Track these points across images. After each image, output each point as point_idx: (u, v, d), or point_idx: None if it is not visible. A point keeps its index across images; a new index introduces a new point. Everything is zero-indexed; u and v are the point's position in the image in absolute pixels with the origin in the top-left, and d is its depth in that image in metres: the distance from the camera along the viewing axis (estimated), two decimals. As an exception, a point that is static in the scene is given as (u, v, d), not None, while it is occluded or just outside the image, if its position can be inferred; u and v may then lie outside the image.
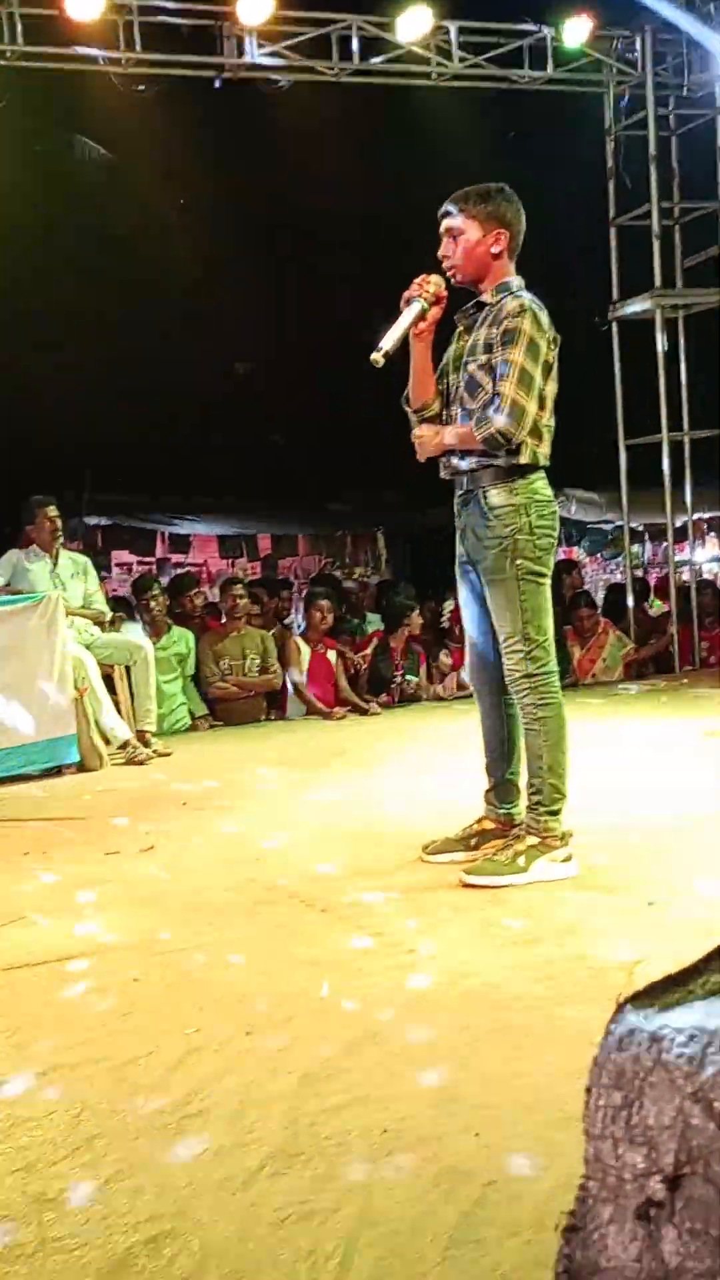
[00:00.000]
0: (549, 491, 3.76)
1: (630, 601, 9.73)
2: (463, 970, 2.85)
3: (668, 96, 9.94)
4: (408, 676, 8.12)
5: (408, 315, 3.72)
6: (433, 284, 3.75)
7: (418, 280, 3.76)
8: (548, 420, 3.70)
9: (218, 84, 8.58)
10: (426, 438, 3.81)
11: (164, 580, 9.29)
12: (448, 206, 3.75)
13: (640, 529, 13.58)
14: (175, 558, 14.09)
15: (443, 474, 3.90)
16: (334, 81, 8.93)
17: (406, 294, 3.76)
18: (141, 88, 8.43)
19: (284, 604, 9.26)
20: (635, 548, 11.61)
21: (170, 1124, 2.16)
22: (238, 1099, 2.24)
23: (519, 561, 3.65)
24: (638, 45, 9.62)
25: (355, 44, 8.78)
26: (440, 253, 3.79)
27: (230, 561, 14.28)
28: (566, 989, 2.70)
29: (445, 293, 3.77)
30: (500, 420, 3.57)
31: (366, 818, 4.64)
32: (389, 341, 3.66)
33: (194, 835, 4.51)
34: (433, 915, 3.30)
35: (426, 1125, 2.11)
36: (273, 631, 8.10)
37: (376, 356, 3.63)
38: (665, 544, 10.76)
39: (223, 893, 3.65)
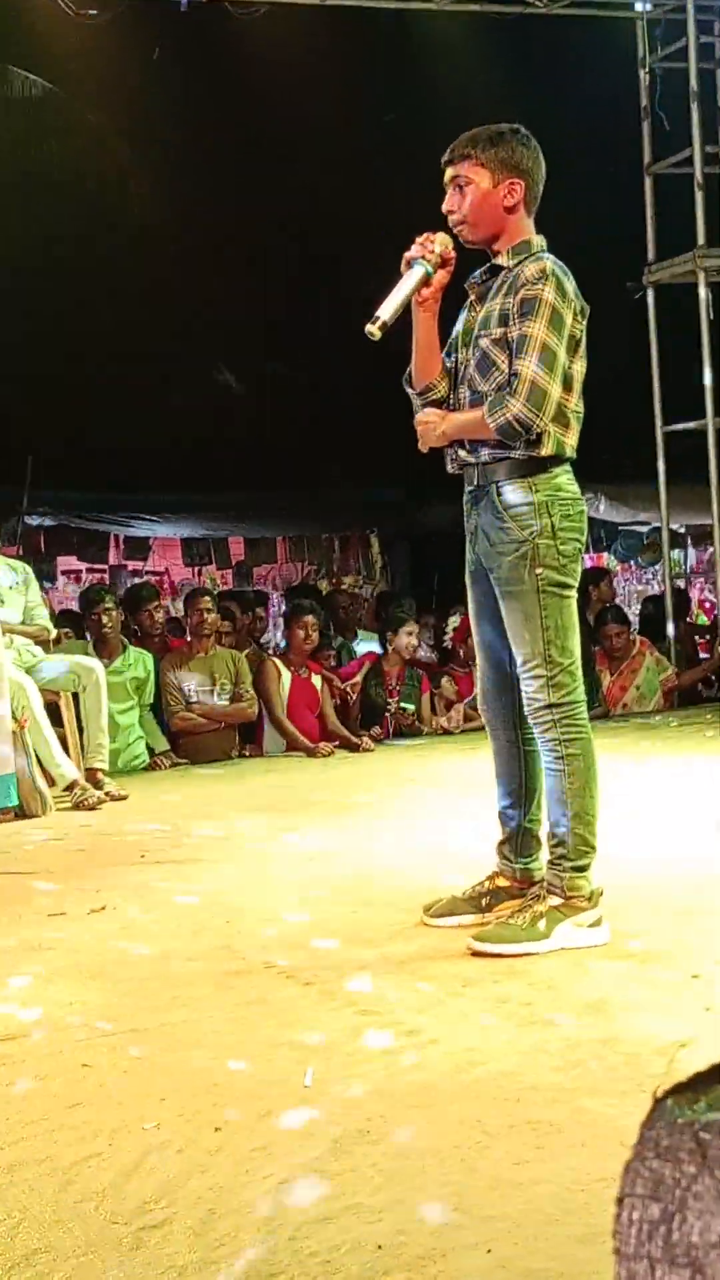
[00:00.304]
0: (575, 488, 3.75)
1: (670, 617, 9.75)
2: (471, 1055, 2.86)
3: (711, 22, 9.98)
4: (403, 706, 8.12)
5: (409, 280, 3.71)
6: (438, 243, 3.74)
7: (420, 238, 3.75)
8: (575, 405, 3.70)
9: (184, 6, 8.62)
10: (431, 424, 3.81)
11: (118, 591, 9.31)
12: (452, 152, 3.74)
13: (681, 531, 13.64)
14: (132, 564, 14.10)
15: (450, 467, 3.90)
16: (318, 5, 8.96)
17: (407, 254, 3.75)
18: (94, 12, 8.48)
19: (260, 620, 9.29)
20: (675, 553, 11.66)
21: (125, 1237, 2.16)
22: (206, 1207, 2.24)
23: (540, 570, 3.64)
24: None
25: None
26: (445, 206, 3.78)
27: (196, 570, 14.29)
28: (594, 1078, 2.71)
29: (453, 254, 3.77)
30: (517, 405, 3.56)
31: (357, 873, 4.64)
32: (387, 310, 3.65)
33: (154, 893, 4.50)
34: (436, 989, 3.30)
35: (428, 1240, 2.11)
36: (246, 652, 8.11)
37: (372, 328, 3.63)
38: (711, 549, 10.78)
39: (187, 962, 3.65)
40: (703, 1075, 0.98)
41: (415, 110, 9.85)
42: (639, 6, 9.99)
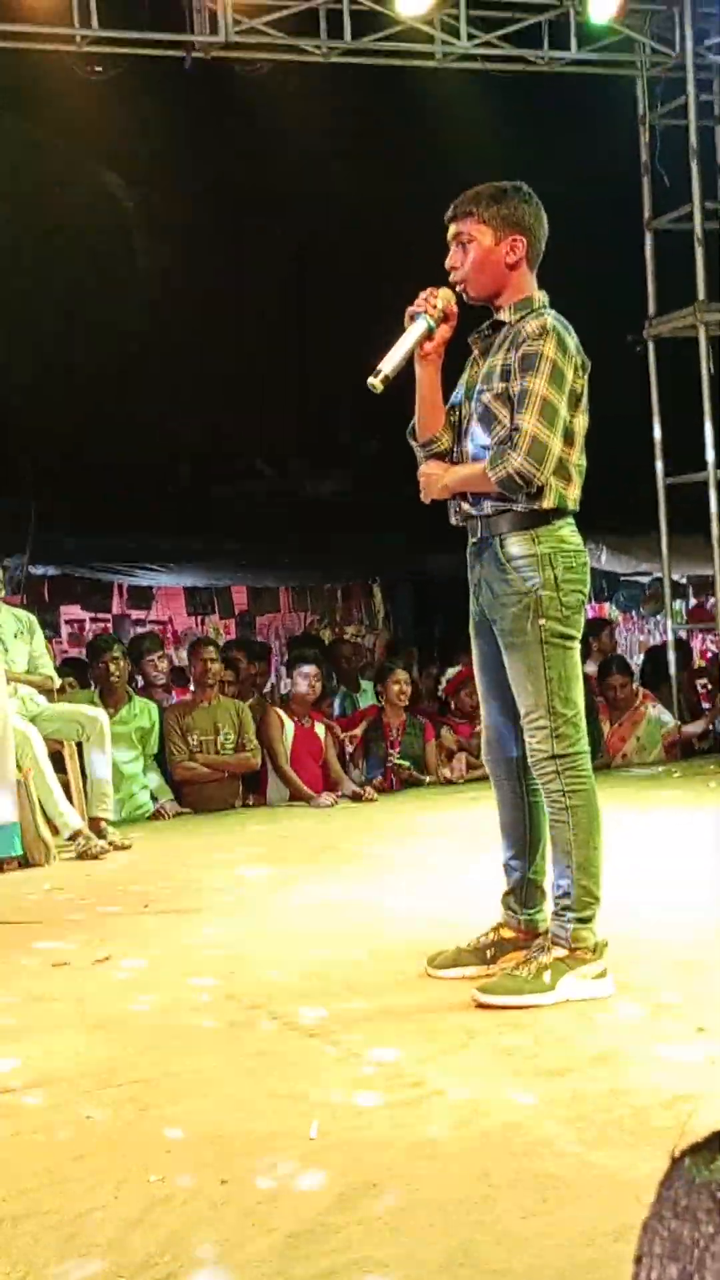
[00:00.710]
0: (578, 540, 3.78)
1: (673, 668, 9.75)
2: (477, 1108, 2.85)
3: (710, 80, 10.09)
4: (399, 762, 8.08)
5: (412, 334, 3.76)
6: (441, 298, 3.78)
7: (424, 294, 3.80)
8: (577, 459, 3.74)
9: (187, 65, 8.70)
10: (435, 476, 3.85)
11: (122, 641, 9.31)
12: (455, 209, 3.79)
13: (683, 581, 13.67)
14: (135, 614, 14.12)
15: (453, 519, 3.93)
16: (321, 62, 9.04)
17: (411, 309, 3.80)
18: (99, 69, 8.54)
19: (263, 670, 9.30)
20: (677, 604, 11.67)
21: (131, 1292, 2.16)
22: (212, 1260, 2.23)
23: (543, 622, 3.67)
24: (675, 21, 9.73)
25: (346, 19, 8.83)
26: (448, 263, 3.83)
27: (199, 619, 14.30)
28: (601, 1131, 2.70)
29: (455, 308, 3.81)
30: (518, 459, 3.59)
31: (361, 924, 4.64)
32: (390, 363, 3.70)
33: (157, 944, 4.49)
34: (441, 1042, 3.30)
35: (436, 1294, 2.11)
36: (250, 702, 8.12)
37: (375, 381, 3.68)
38: (713, 600, 10.80)
39: (191, 1013, 3.64)
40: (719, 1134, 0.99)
41: (418, 166, 9.95)
42: (640, 64, 10.06)
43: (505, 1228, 2.32)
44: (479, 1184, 2.49)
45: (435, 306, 3.78)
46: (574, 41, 9.41)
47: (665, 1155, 2.35)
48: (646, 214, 10.17)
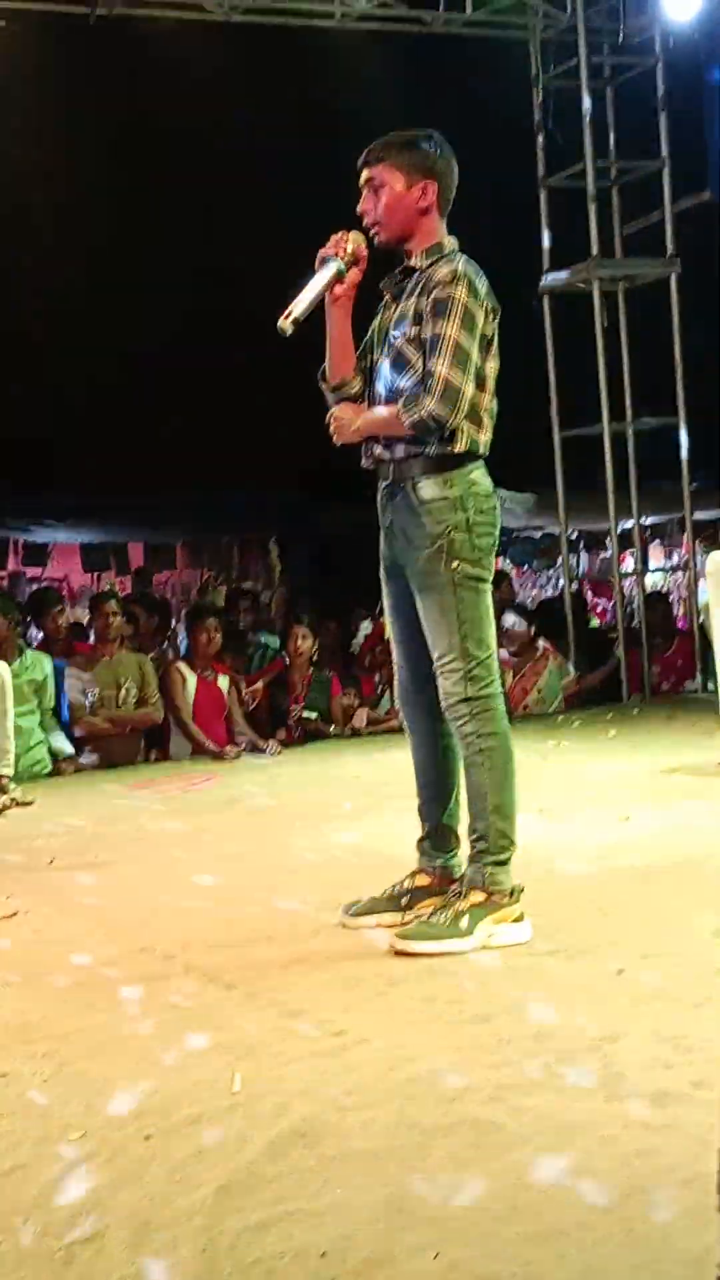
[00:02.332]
0: (489, 484, 3.73)
1: (570, 620, 9.77)
2: (402, 1054, 2.76)
3: (601, 43, 10.07)
4: (305, 715, 8.00)
5: (322, 276, 3.70)
6: (351, 241, 3.74)
7: (334, 237, 3.75)
8: (488, 403, 3.70)
9: (92, 20, 8.50)
10: (346, 420, 3.77)
11: (19, 598, 9.09)
12: (367, 155, 3.75)
13: (575, 536, 13.71)
14: (30, 571, 13.84)
15: (364, 462, 3.86)
16: (221, 21, 8.89)
17: (321, 252, 3.74)
18: (2, 22, 8.34)
19: (162, 625, 9.13)
20: (571, 558, 11.70)
21: (57, 1252, 2.04)
22: (140, 1218, 2.12)
23: (455, 564, 3.61)
24: (566, -16, 9.72)
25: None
26: (359, 208, 3.77)
27: (95, 576, 14.06)
28: (528, 1075, 2.63)
29: (366, 251, 3.76)
30: (431, 403, 3.54)
31: (274, 873, 4.54)
32: (300, 306, 3.64)
33: (66, 899, 4.36)
34: (362, 990, 3.21)
35: (373, 1244, 2.01)
36: (152, 655, 7.96)
37: (285, 323, 3.62)
38: (605, 554, 10.84)
39: (105, 968, 3.51)
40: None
41: (316, 124, 9.80)
42: (533, 26, 10.00)
43: (440, 1175, 2.24)
44: (410, 1132, 2.39)
45: (346, 249, 3.73)
46: (468, 3, 9.36)
47: (592, 1095, 2.27)
48: (540, 171, 10.14)
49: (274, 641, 9.05)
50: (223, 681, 7.79)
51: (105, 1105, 2.55)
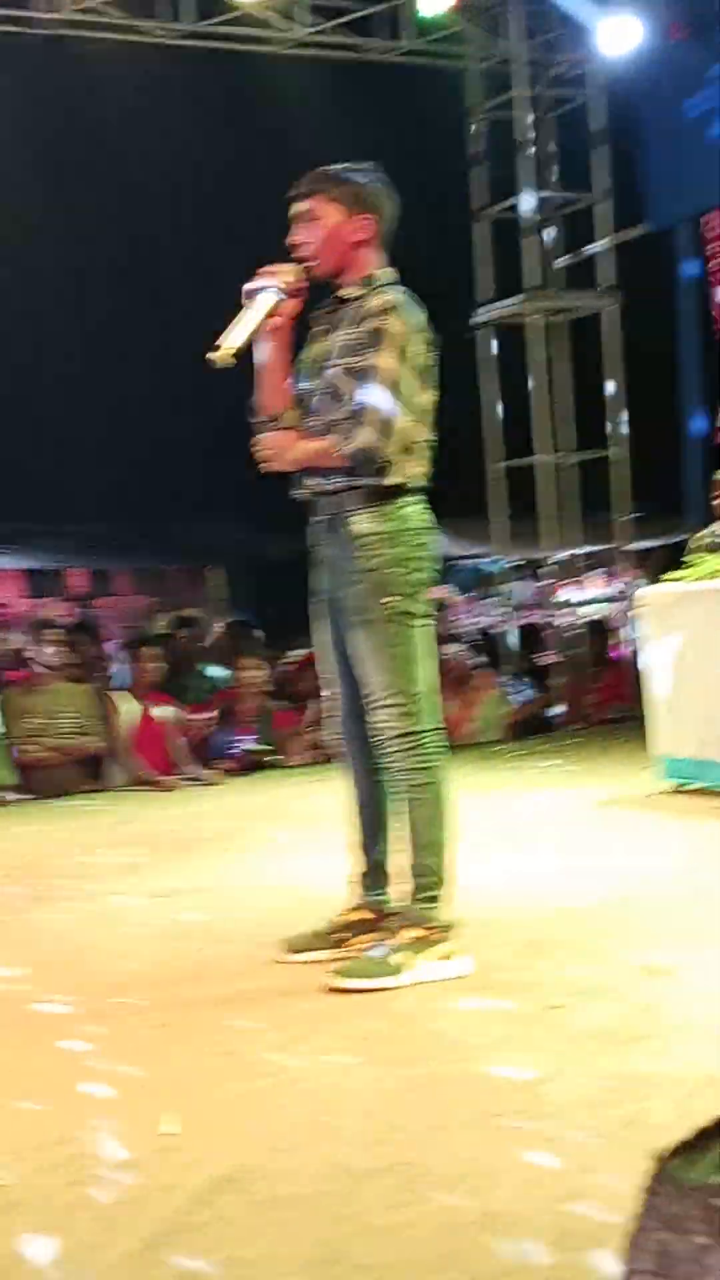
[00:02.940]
0: (426, 518, 3.71)
1: (510, 649, 9.80)
2: (334, 1095, 2.75)
3: (539, 75, 10.16)
4: (257, 747, 7.95)
5: (261, 306, 3.63)
6: (291, 273, 3.67)
7: (264, 269, 3.68)
8: (425, 435, 3.68)
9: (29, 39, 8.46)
10: (279, 448, 3.72)
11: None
12: (302, 187, 3.71)
13: (520, 564, 13.74)
14: (-31, 597, 13.71)
15: (297, 494, 3.83)
16: (160, 44, 8.89)
17: (248, 285, 3.67)
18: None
19: (104, 653, 9.05)
20: (509, 586, 11.73)
21: (-20, 1309, 2.00)
22: (64, 1272, 2.09)
23: (387, 599, 3.59)
24: (504, 17, 9.78)
25: (188, 2, 8.75)
26: (292, 239, 3.73)
27: (36, 603, 13.93)
28: (460, 1115, 2.62)
29: (305, 283, 3.71)
30: (364, 435, 3.53)
31: (211, 909, 4.50)
32: (237, 337, 3.57)
33: (-2, 934, 4.31)
34: (295, 1028, 3.19)
35: (302, 1294, 2.00)
36: (96, 686, 7.88)
37: (218, 355, 3.53)
38: (543, 583, 10.89)
39: (34, 1006, 3.47)
40: (707, 1132, 0.88)
41: (252, 149, 9.82)
42: (470, 57, 10.07)
43: (369, 1220, 2.22)
44: (341, 1176, 2.38)
45: (287, 280, 3.66)
46: (407, 33, 9.40)
47: (525, 1138, 2.27)
48: (475, 203, 10.20)
49: (215, 672, 8.99)
50: (164, 711, 7.73)
51: (30, 1153, 2.52)
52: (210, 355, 3.55)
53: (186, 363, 3.65)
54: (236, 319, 3.61)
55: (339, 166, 3.73)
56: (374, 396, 3.53)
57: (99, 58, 8.88)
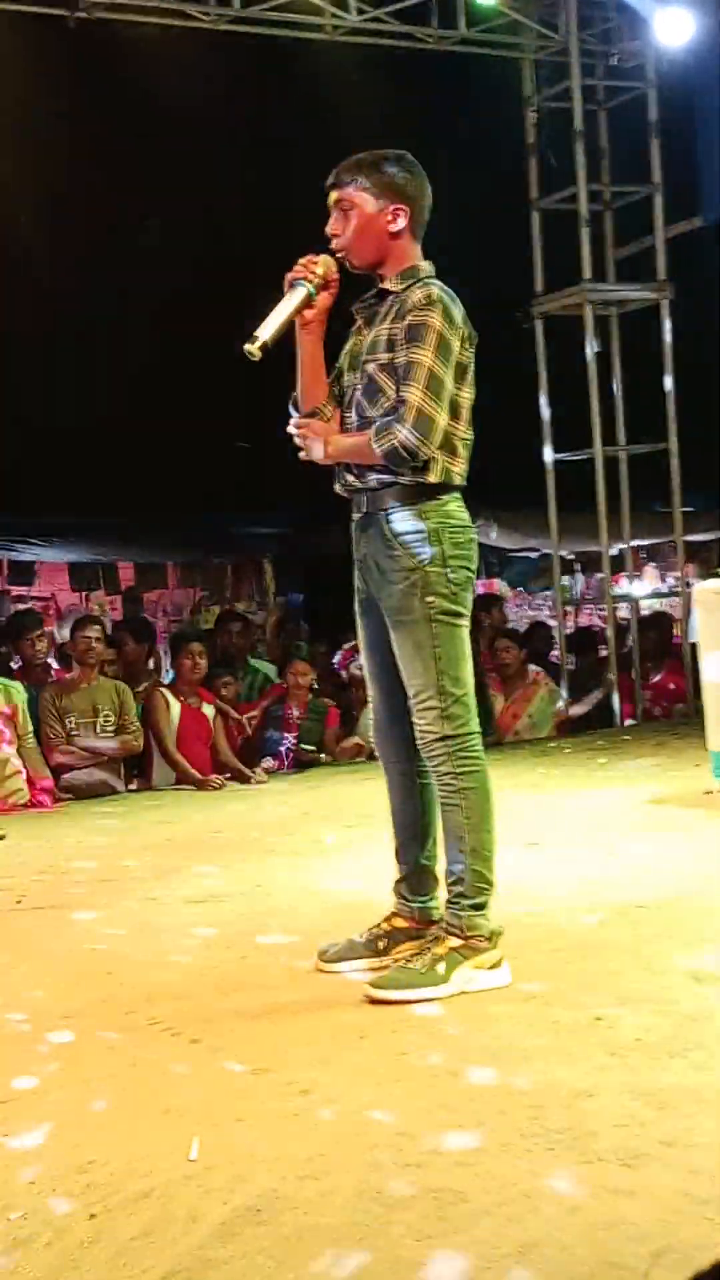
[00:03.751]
0: (465, 515, 3.62)
1: (558, 645, 9.67)
2: (369, 1116, 2.63)
3: (594, 66, 10.02)
4: (303, 745, 7.87)
5: (291, 300, 3.58)
6: (321, 264, 3.62)
7: (303, 260, 3.63)
8: (464, 432, 3.58)
9: (71, 24, 8.38)
10: (317, 438, 3.62)
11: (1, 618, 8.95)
12: (336, 176, 3.63)
13: (570, 558, 13.61)
14: (16, 590, 13.66)
15: (337, 488, 3.74)
16: (208, 29, 8.79)
17: (290, 275, 3.62)
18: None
19: (152, 650, 8.98)
20: (565, 580, 11.61)
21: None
22: (77, 1310, 1.99)
23: (430, 599, 3.50)
24: (560, 6, 9.64)
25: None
26: (329, 229, 3.65)
27: (84, 595, 13.89)
28: (498, 1137, 2.50)
29: (337, 275, 3.64)
30: (404, 432, 3.42)
31: (248, 916, 4.40)
32: (268, 330, 3.51)
33: (29, 943, 4.23)
34: (332, 1043, 3.08)
35: (326, 1338, 1.88)
36: (144, 686, 7.80)
37: (251, 347, 3.50)
38: (599, 575, 10.74)
39: (62, 1019, 3.37)
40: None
41: (305, 138, 9.70)
42: (526, 47, 9.92)
43: (400, 1253, 2.11)
44: (372, 1204, 2.26)
45: (315, 273, 3.60)
46: (462, 21, 9.30)
47: (563, 1161, 2.11)
48: (533, 193, 10.07)
49: (265, 667, 8.90)
50: (208, 709, 7.64)
51: (48, 1180, 2.41)
52: (245, 347, 3.49)
53: (237, 352, 3.55)
54: (273, 311, 3.55)
55: (371, 154, 3.63)
56: (414, 393, 3.43)
57: (144, 43, 8.75)
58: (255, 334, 3.49)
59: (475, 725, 3.57)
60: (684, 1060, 2.82)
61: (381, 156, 3.62)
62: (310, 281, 3.58)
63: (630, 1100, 2.62)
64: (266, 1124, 2.63)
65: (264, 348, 3.48)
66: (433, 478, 3.50)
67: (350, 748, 8.06)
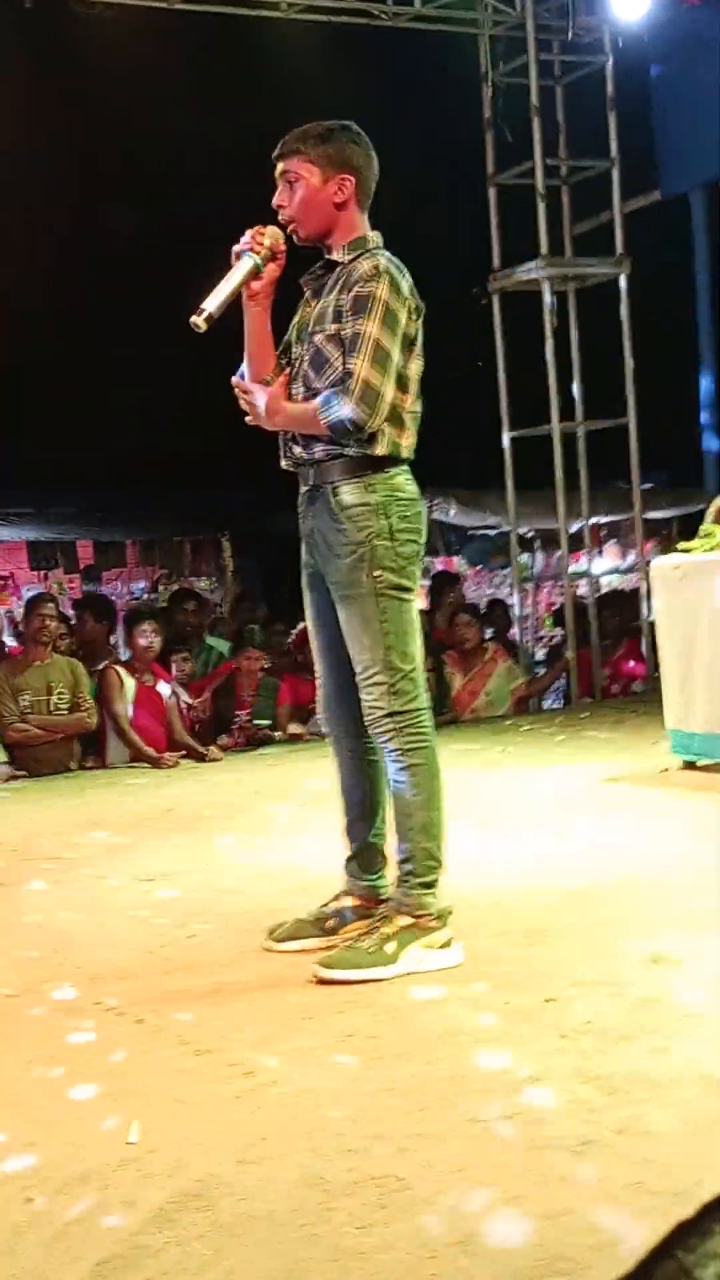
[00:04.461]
0: (414, 489, 3.56)
1: (517, 621, 9.63)
2: (313, 1099, 2.58)
3: (550, 41, 9.94)
4: (255, 721, 7.80)
5: (237, 271, 3.52)
6: (268, 235, 3.56)
7: (250, 231, 3.57)
8: (411, 405, 3.52)
9: (28, 3, 8.24)
10: (267, 405, 3.55)
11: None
12: (282, 147, 3.57)
13: (530, 535, 13.56)
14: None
15: (283, 463, 3.69)
16: (163, 8, 8.67)
17: (237, 247, 3.56)
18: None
19: (112, 628, 8.88)
20: (524, 557, 11.54)
21: None
22: (7, 1301, 1.93)
23: (378, 573, 3.44)
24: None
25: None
26: (275, 201, 3.60)
27: (43, 574, 13.76)
28: (442, 1123, 2.45)
29: (284, 247, 3.59)
30: (349, 404, 3.37)
31: (198, 894, 4.34)
32: (214, 302, 3.46)
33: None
34: (277, 1023, 3.03)
35: (262, 1327, 1.83)
36: (106, 664, 7.70)
37: (198, 320, 3.45)
38: (558, 553, 10.71)
39: (6, 998, 3.32)
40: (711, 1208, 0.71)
41: (260, 115, 9.57)
42: (483, 22, 9.83)
43: (339, 1241, 2.06)
44: (313, 1191, 2.21)
45: (263, 244, 3.54)
46: (417, -3, 9.20)
47: (509, 1148, 2.06)
48: (489, 168, 9.99)
49: (220, 644, 8.82)
50: (163, 687, 7.56)
51: (-17, 1165, 2.36)
52: (192, 319, 3.44)
53: (187, 330, 3.48)
54: (219, 284, 3.49)
55: (316, 126, 3.57)
56: (360, 364, 3.38)
57: (97, 22, 8.62)
58: (201, 306, 3.44)
59: (424, 701, 3.52)
60: (637, 1045, 2.77)
61: (326, 128, 3.56)
62: (257, 253, 3.52)
63: (580, 1085, 2.57)
64: (208, 1107, 2.58)
65: (209, 319, 3.44)
66: (379, 450, 3.44)
67: (299, 728, 7.99)
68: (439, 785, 3.50)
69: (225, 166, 10.58)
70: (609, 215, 9.92)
